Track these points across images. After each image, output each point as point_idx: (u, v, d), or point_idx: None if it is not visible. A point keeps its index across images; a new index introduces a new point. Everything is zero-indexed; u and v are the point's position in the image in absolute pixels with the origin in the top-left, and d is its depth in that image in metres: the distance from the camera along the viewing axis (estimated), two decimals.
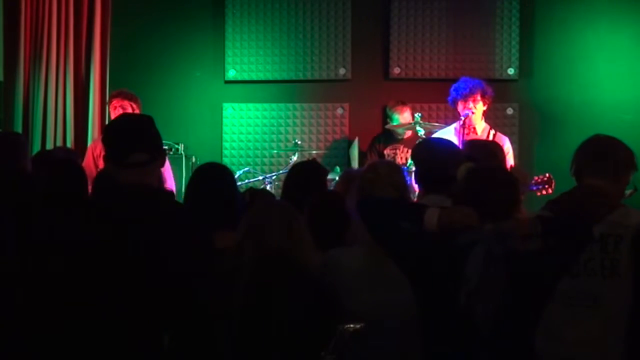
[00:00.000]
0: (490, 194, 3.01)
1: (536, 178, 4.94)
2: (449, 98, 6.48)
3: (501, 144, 5.41)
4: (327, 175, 4.68)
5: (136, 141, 2.97)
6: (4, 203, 3.26)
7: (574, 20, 7.62)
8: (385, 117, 7.51)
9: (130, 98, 6.43)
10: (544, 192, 4.90)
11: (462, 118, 6.21)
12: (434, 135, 6.27)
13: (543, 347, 3.18)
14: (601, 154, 3.39)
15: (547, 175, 4.96)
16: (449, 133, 6.21)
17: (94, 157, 6.41)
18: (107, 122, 7.18)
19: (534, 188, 4.89)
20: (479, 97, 6.35)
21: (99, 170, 5.59)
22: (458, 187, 3.13)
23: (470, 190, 3.04)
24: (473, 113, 6.31)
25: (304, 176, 4.40)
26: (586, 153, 3.42)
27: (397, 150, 7.00)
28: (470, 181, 3.12)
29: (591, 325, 3.19)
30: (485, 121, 6.53)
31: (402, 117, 7.08)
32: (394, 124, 7.05)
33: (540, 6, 7.71)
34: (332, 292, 3.17)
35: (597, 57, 7.56)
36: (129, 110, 6.34)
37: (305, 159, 6.86)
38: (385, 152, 7.11)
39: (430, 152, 3.84)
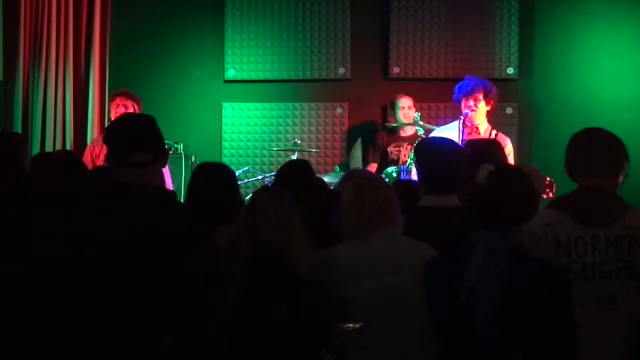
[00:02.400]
0: (512, 198, 2.97)
1: None
2: (454, 96, 6.46)
3: (503, 144, 5.38)
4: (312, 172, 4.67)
5: (138, 141, 2.97)
6: (3, 203, 3.26)
7: (573, 20, 7.62)
8: (386, 116, 7.53)
9: (133, 98, 6.45)
10: (544, 196, 4.85)
11: (462, 117, 6.20)
12: (437, 131, 6.27)
13: None
14: (594, 150, 3.30)
15: (548, 179, 4.90)
16: (451, 129, 6.19)
17: (92, 157, 6.42)
18: (107, 122, 7.19)
19: None
20: (480, 97, 6.32)
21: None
22: (476, 189, 3.09)
23: (491, 193, 3.00)
24: (474, 111, 6.29)
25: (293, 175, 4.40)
26: (578, 150, 3.34)
27: (401, 148, 7.00)
28: (491, 184, 3.09)
29: (608, 328, 3.16)
30: (488, 122, 6.52)
31: (402, 102, 7.10)
32: (396, 110, 7.05)
33: (540, 6, 7.72)
34: (329, 290, 3.17)
35: (597, 57, 7.57)
36: (131, 110, 6.36)
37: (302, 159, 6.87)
38: (388, 149, 7.11)
39: (432, 152, 3.80)
